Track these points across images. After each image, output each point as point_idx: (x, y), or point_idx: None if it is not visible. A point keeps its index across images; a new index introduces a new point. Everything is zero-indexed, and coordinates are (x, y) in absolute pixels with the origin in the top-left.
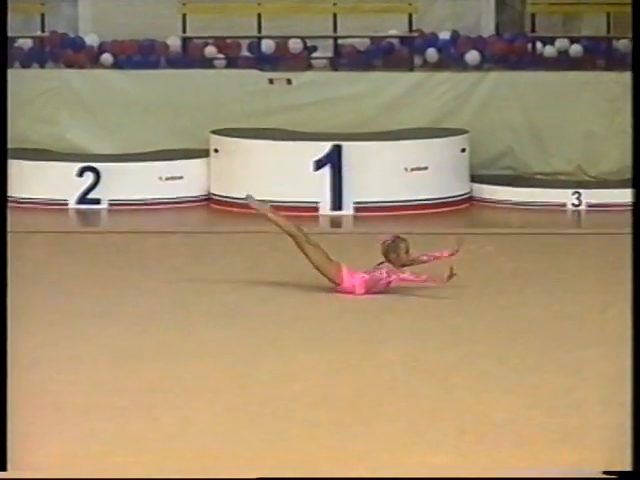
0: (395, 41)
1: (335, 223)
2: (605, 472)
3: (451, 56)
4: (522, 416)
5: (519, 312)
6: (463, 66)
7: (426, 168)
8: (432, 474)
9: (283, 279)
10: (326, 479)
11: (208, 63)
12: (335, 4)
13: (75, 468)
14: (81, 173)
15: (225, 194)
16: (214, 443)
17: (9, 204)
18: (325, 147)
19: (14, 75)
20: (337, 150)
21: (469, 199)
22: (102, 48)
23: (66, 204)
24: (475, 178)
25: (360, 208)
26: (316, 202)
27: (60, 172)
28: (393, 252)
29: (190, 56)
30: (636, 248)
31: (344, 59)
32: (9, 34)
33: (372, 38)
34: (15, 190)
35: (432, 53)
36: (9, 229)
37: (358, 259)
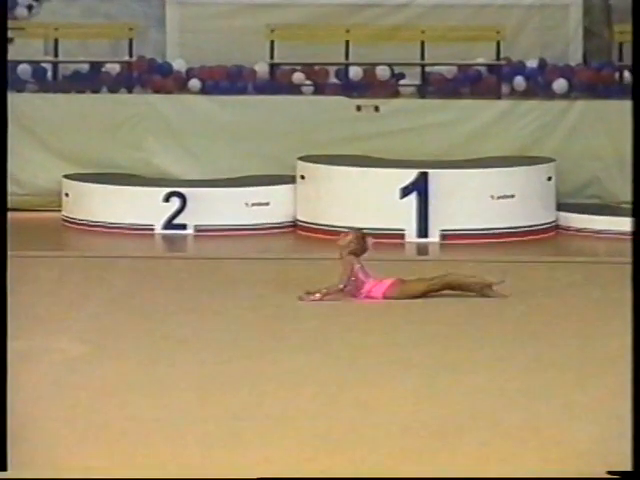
0: (483, 69)
1: (421, 250)
2: (610, 472)
3: (538, 84)
4: (607, 446)
5: (605, 342)
6: (550, 94)
7: (512, 196)
8: None
9: (367, 306)
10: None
11: (296, 89)
12: (423, 31)
13: None
14: (167, 198)
15: (311, 220)
16: (300, 470)
17: (95, 229)
18: (412, 174)
19: (101, 100)
20: (424, 177)
21: (555, 227)
22: (190, 74)
23: (152, 229)
24: (561, 207)
25: (446, 236)
26: (402, 229)
27: (146, 197)
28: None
29: (278, 82)
30: (636, 276)
31: (432, 86)
32: (97, 59)
33: (460, 66)
34: (102, 215)
35: (520, 81)
36: (96, 254)
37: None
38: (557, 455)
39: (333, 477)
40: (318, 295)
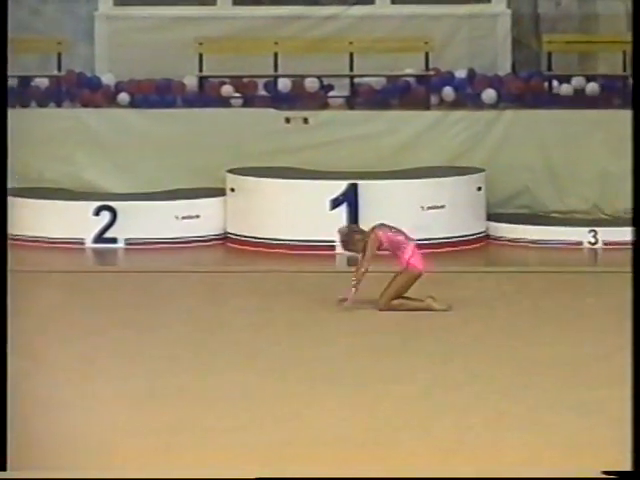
0: (411, 80)
1: (352, 262)
2: (605, 472)
3: (467, 95)
4: (539, 456)
5: (535, 351)
6: (479, 105)
7: (442, 207)
8: None
9: (299, 318)
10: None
11: (225, 102)
12: (351, 43)
13: None
14: (97, 212)
15: (241, 233)
16: None
17: (25, 243)
18: (341, 186)
19: (31, 114)
20: (353, 189)
21: (485, 237)
22: (119, 87)
23: (83, 243)
24: (491, 217)
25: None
26: (332, 241)
27: (76, 211)
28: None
29: (206, 95)
30: (636, 286)
31: (360, 98)
32: (25, 73)
33: (388, 77)
34: (31, 229)
35: (448, 92)
36: (26, 269)
37: (374, 297)
38: (488, 465)
39: (327, 477)
40: (353, 291)
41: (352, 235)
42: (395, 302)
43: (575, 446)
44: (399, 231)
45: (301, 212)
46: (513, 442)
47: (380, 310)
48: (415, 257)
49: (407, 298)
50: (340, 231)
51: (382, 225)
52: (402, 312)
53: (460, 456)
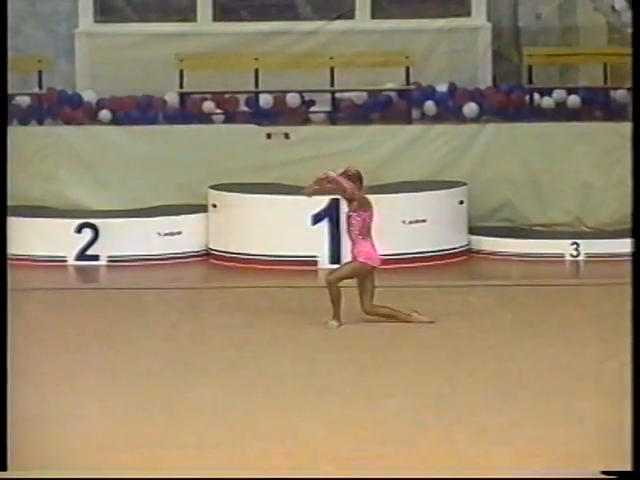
0: (393, 94)
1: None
2: (604, 472)
3: (449, 108)
4: (523, 468)
5: (518, 364)
6: (461, 118)
7: (424, 221)
8: None
9: (282, 334)
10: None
11: (206, 118)
12: (332, 58)
13: None
14: (79, 229)
15: (223, 249)
16: None
17: (8, 261)
18: (323, 201)
19: (12, 132)
20: (335, 204)
21: (467, 251)
22: (100, 104)
23: (65, 260)
24: (473, 230)
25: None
26: (315, 256)
27: (58, 229)
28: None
29: (188, 111)
30: (636, 298)
31: (342, 113)
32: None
33: (369, 91)
34: (14, 247)
35: (430, 106)
36: (8, 286)
37: (356, 313)
38: (474, 478)
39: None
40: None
41: (355, 182)
42: (381, 309)
43: (560, 458)
44: (369, 233)
45: (283, 228)
46: (498, 455)
47: (368, 314)
48: (370, 250)
49: (396, 310)
50: (350, 168)
51: (372, 211)
52: (385, 326)
53: (446, 470)
